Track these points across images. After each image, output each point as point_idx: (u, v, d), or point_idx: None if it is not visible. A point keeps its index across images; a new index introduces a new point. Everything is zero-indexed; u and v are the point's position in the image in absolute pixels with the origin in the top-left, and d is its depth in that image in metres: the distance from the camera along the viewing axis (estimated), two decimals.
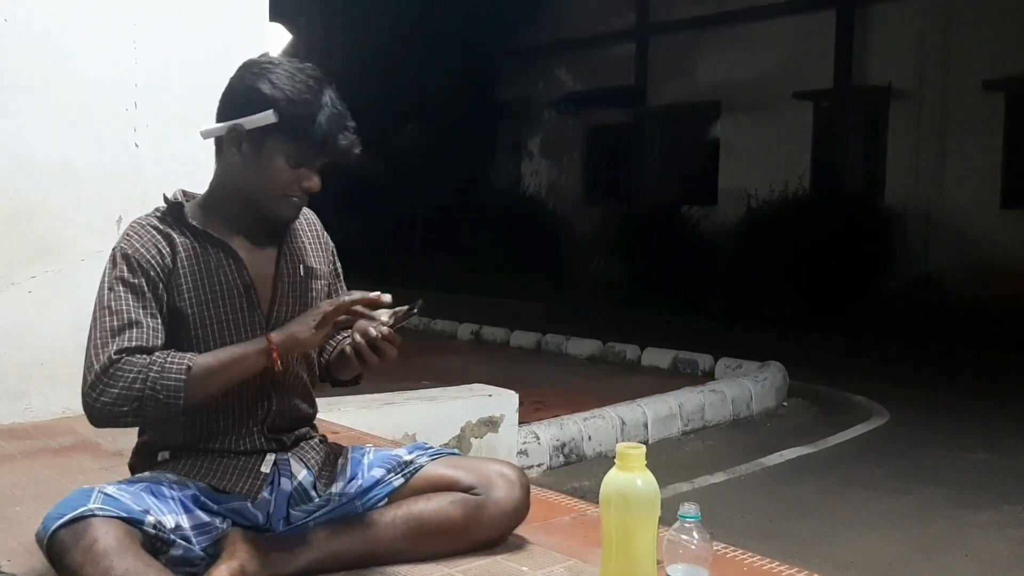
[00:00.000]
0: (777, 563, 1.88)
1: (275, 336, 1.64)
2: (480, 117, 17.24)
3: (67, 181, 3.21)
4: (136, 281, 1.65)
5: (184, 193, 1.78)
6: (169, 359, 1.60)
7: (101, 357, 1.58)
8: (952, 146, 11.93)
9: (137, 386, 1.57)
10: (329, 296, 1.87)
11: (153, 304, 1.66)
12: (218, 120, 1.69)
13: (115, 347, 1.59)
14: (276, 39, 11.10)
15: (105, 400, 1.57)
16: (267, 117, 1.63)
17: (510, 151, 17.86)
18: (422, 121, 16.80)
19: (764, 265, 11.15)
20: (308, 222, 1.91)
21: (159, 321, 1.66)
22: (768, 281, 11.03)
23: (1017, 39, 11.04)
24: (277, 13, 5.28)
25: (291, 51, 13.23)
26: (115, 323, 1.62)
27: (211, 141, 1.73)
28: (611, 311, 10.62)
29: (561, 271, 14.03)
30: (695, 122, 15.26)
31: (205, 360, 1.62)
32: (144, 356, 1.60)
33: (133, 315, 1.63)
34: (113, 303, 1.64)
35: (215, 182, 1.77)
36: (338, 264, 1.97)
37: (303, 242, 1.86)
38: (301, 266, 1.82)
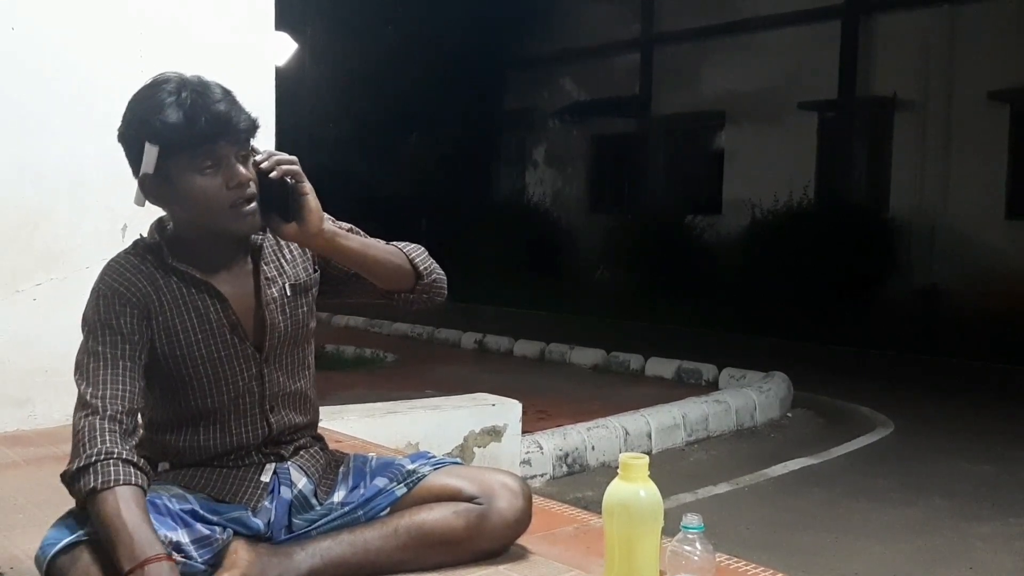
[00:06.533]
0: (781, 574, 1.88)
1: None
2: (485, 127, 17.30)
3: (73, 189, 3.22)
4: (115, 323, 1.64)
5: (160, 223, 1.75)
6: (104, 466, 1.50)
7: (84, 408, 1.58)
8: (957, 157, 11.93)
9: (78, 451, 1.55)
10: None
11: (134, 343, 1.65)
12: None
13: (91, 396, 1.58)
14: (282, 49, 11.14)
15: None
16: (150, 152, 1.60)
17: (515, 161, 17.90)
18: (427, 131, 16.85)
19: (768, 275, 11.15)
20: None
21: (137, 363, 1.65)
22: (772, 291, 11.02)
23: (1022, 50, 11.05)
24: (283, 23, 5.30)
25: (296, 61, 13.28)
26: (92, 364, 1.62)
27: None
28: (615, 320, 10.61)
29: (565, 280, 14.03)
30: (699, 132, 15.29)
31: (107, 504, 1.47)
32: (103, 430, 1.54)
33: (110, 357, 1.62)
34: (91, 345, 1.64)
35: (174, 228, 1.74)
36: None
37: (283, 259, 1.82)
38: (287, 286, 1.79)
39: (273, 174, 1.65)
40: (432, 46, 15.66)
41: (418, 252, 1.88)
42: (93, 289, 1.69)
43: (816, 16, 12.95)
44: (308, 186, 1.66)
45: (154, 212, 1.78)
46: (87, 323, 1.67)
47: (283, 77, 5.05)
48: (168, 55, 3.35)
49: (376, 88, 16.10)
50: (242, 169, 1.64)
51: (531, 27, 16.24)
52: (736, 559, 1.95)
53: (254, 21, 3.58)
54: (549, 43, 16.20)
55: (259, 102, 3.52)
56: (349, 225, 1.81)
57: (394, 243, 1.87)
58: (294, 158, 1.68)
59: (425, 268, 1.87)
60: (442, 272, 1.91)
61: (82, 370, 1.62)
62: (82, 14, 3.24)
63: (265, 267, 1.78)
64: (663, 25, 15.06)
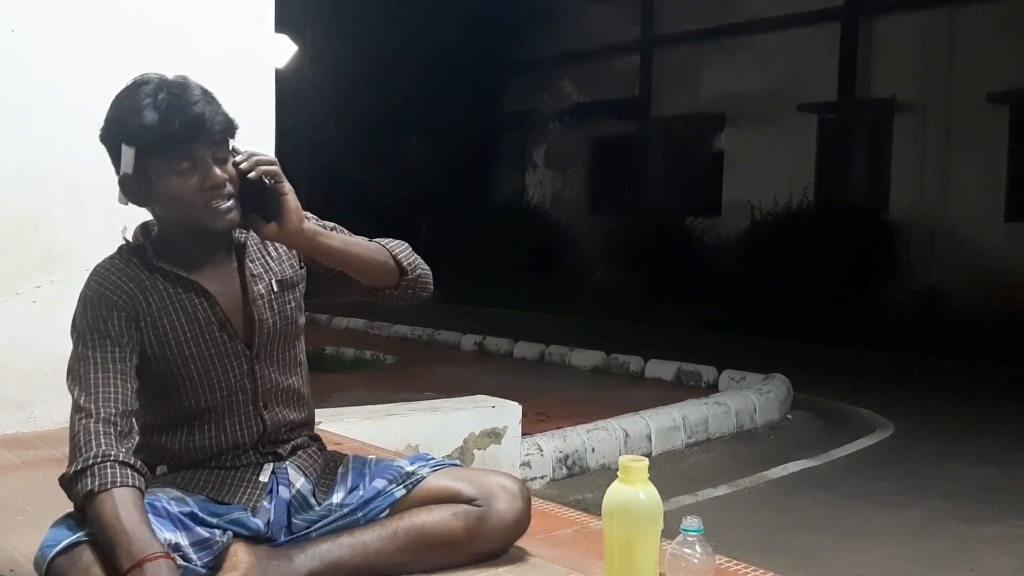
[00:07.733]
0: None
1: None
2: (485, 128, 17.30)
3: (72, 191, 3.22)
4: (104, 327, 1.64)
5: (144, 227, 1.76)
6: (101, 469, 1.51)
7: (78, 412, 1.58)
8: (956, 159, 11.94)
9: (79, 458, 1.54)
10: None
11: (124, 346, 1.65)
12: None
13: (84, 400, 1.58)
14: (282, 51, 11.15)
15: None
16: (127, 153, 1.61)
17: (515, 162, 17.91)
18: (427, 133, 16.86)
19: (768, 277, 11.15)
20: None
21: (128, 365, 1.65)
22: (772, 293, 11.02)
23: (1021, 51, 11.06)
24: (283, 25, 5.29)
25: (296, 63, 13.30)
26: (83, 369, 1.62)
27: None
28: (615, 322, 10.61)
29: (565, 282, 14.04)
30: (699, 134, 15.29)
31: (105, 506, 1.48)
32: (99, 433, 1.55)
33: (101, 361, 1.62)
34: (82, 350, 1.64)
35: (158, 228, 1.74)
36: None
37: (269, 256, 1.83)
38: (273, 282, 1.80)
39: (252, 174, 1.66)
40: (432, 48, 15.66)
41: (401, 248, 1.88)
42: (80, 295, 1.69)
43: (816, 18, 12.96)
44: (287, 186, 1.67)
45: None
46: (76, 329, 1.67)
47: (283, 79, 5.05)
48: (168, 57, 3.36)
49: (376, 90, 16.11)
50: (217, 171, 1.65)
51: (531, 29, 16.25)
52: (736, 561, 1.95)
53: (254, 23, 3.57)
54: (549, 45, 16.20)
55: (259, 104, 3.55)
56: (333, 224, 1.82)
57: (377, 240, 1.87)
58: (273, 158, 1.69)
59: (409, 264, 1.88)
60: (427, 267, 1.91)
61: (74, 375, 1.63)
62: (82, 16, 3.24)
63: (251, 264, 1.79)
64: (663, 27, 15.06)
